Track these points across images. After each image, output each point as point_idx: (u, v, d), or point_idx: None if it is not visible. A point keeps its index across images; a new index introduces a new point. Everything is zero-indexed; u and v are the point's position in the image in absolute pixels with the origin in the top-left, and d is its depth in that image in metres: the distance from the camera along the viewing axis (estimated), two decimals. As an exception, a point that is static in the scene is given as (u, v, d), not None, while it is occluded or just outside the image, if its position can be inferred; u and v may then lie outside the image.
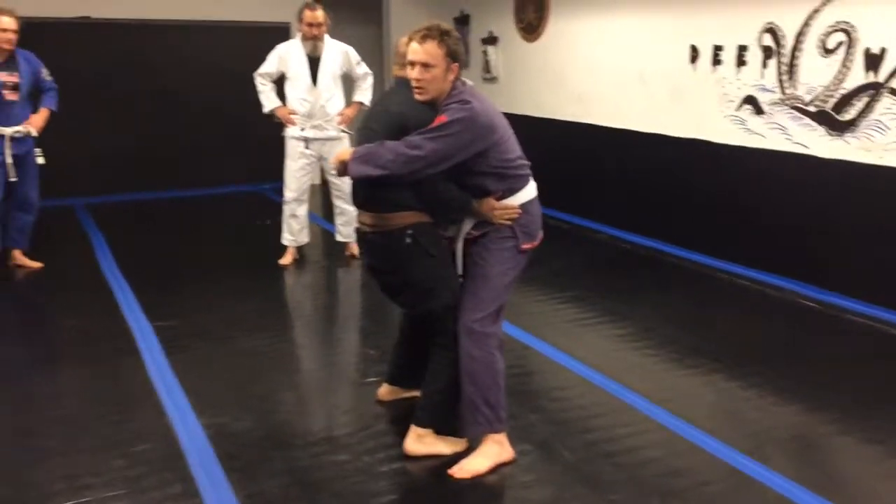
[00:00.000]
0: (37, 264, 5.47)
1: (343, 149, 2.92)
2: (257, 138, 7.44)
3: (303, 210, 5.68)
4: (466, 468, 2.91)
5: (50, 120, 5.31)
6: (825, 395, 3.62)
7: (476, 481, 2.88)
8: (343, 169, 2.84)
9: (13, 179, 5.14)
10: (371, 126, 2.94)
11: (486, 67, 8.07)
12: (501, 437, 2.99)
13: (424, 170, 2.74)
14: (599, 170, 6.81)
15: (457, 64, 2.84)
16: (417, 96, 2.85)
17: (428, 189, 2.84)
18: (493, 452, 2.96)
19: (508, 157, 2.91)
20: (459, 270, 3.03)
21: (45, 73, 5.32)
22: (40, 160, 5.31)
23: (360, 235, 3.07)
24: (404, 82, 2.92)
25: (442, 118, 2.76)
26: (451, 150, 2.74)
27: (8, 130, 5.06)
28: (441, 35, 2.79)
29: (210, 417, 3.32)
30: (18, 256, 5.46)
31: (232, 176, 8.21)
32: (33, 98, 5.31)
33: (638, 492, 2.81)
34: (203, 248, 6.23)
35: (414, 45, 2.80)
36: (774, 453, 3.11)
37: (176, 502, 2.73)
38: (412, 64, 2.80)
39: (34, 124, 5.20)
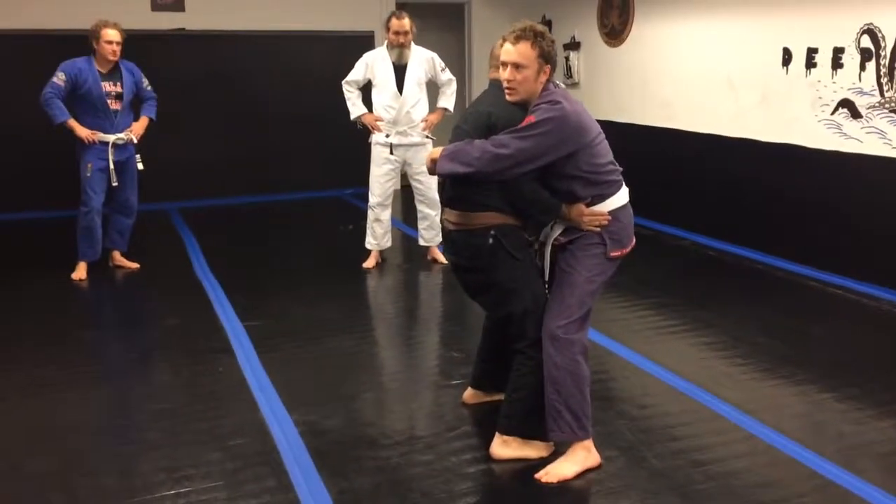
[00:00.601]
0: (134, 265, 5.73)
1: (434, 149, 2.96)
2: (340, 144, 7.62)
3: (386, 215, 5.78)
4: (553, 473, 2.92)
5: (148, 127, 5.56)
6: (927, 409, 3.48)
7: (563, 486, 2.88)
8: (433, 167, 2.88)
9: (115, 184, 5.40)
10: (462, 126, 2.98)
11: (568, 73, 8.04)
12: (589, 443, 2.98)
13: (511, 169, 2.74)
14: (685, 175, 6.70)
15: (549, 66, 2.84)
16: (508, 97, 2.86)
17: (513, 189, 2.85)
18: (580, 458, 2.95)
19: (599, 161, 2.89)
20: (546, 276, 3.03)
21: (146, 83, 5.57)
22: (140, 166, 5.57)
23: (445, 233, 3.12)
24: (497, 84, 2.95)
25: (530, 118, 2.76)
26: (539, 150, 2.73)
27: (111, 137, 5.32)
28: (535, 36, 2.79)
29: (301, 415, 3.42)
30: (118, 258, 5.73)
31: (315, 181, 8.41)
32: (134, 107, 5.57)
33: (729, 502, 2.76)
34: (289, 251, 6.40)
35: (507, 46, 2.81)
36: (872, 467, 3.01)
37: (272, 496, 2.82)
38: (504, 64, 2.81)
39: (135, 132, 5.46)
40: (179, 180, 7.84)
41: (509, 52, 2.80)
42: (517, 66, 2.79)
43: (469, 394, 3.53)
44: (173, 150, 7.58)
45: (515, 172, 2.76)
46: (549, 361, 2.91)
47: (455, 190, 2.97)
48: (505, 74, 2.82)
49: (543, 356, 2.93)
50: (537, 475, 2.92)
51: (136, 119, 5.53)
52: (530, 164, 2.75)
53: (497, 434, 3.06)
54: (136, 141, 5.47)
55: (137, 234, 5.84)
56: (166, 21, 7.79)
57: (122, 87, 5.36)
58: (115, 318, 5.05)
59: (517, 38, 2.79)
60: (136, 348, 4.37)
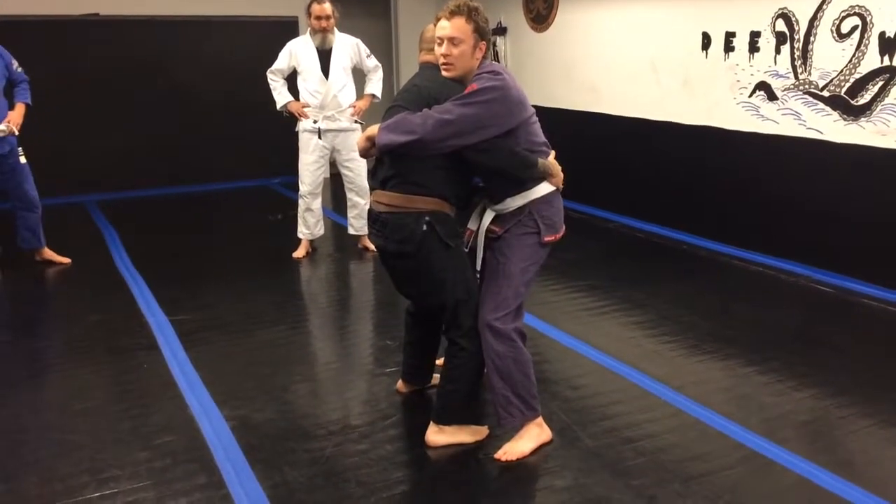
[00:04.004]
0: (66, 260, 5.46)
1: (370, 127, 2.88)
2: (266, 133, 7.48)
3: (317, 203, 5.70)
4: (512, 451, 2.95)
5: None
6: (842, 379, 3.62)
7: (500, 468, 2.90)
8: (367, 147, 2.81)
9: None
10: (399, 103, 2.89)
11: (495, 58, 8.06)
12: (539, 420, 3.03)
13: (454, 138, 2.68)
14: (611, 159, 6.81)
15: (484, 42, 2.84)
16: (444, 73, 2.84)
17: (490, 152, 2.75)
18: (534, 434, 3.00)
19: (537, 139, 2.89)
20: (479, 265, 3.02)
21: (16, 65, 5.10)
22: (23, 160, 5.11)
23: (374, 216, 2.94)
24: (431, 66, 2.94)
25: (473, 86, 2.73)
26: (482, 119, 2.68)
27: None
28: (470, 12, 2.80)
29: (231, 409, 3.35)
30: (47, 253, 5.46)
31: (242, 171, 8.24)
32: (7, 93, 5.08)
33: (659, 476, 2.83)
34: (216, 243, 6.26)
35: (442, 22, 2.80)
36: (793, 437, 3.12)
37: (202, 493, 2.75)
38: (440, 40, 2.80)
39: (14, 122, 4.97)
40: (97, 172, 7.58)
41: (445, 27, 2.79)
42: (453, 41, 2.78)
43: (402, 384, 3.52)
44: (89, 141, 7.31)
45: (457, 143, 2.69)
46: (490, 352, 2.90)
47: (393, 168, 2.84)
48: (441, 50, 2.80)
49: (483, 347, 2.92)
50: (496, 455, 2.94)
51: (12, 107, 5.05)
52: (473, 135, 2.69)
53: (432, 423, 3.05)
54: (17, 132, 4.99)
55: (53, 228, 5.61)
56: (79, 6, 7.47)
57: None
58: (35, 315, 4.83)
59: (452, 14, 2.79)
60: (54, 347, 4.19)
